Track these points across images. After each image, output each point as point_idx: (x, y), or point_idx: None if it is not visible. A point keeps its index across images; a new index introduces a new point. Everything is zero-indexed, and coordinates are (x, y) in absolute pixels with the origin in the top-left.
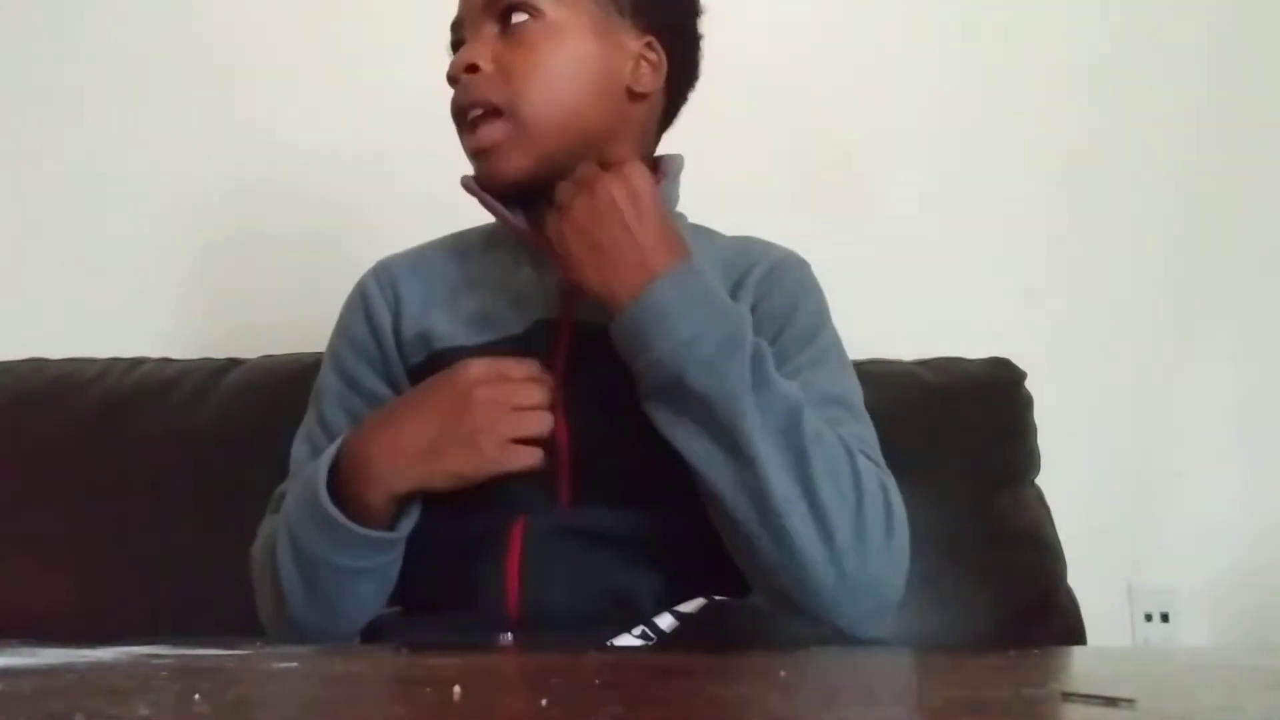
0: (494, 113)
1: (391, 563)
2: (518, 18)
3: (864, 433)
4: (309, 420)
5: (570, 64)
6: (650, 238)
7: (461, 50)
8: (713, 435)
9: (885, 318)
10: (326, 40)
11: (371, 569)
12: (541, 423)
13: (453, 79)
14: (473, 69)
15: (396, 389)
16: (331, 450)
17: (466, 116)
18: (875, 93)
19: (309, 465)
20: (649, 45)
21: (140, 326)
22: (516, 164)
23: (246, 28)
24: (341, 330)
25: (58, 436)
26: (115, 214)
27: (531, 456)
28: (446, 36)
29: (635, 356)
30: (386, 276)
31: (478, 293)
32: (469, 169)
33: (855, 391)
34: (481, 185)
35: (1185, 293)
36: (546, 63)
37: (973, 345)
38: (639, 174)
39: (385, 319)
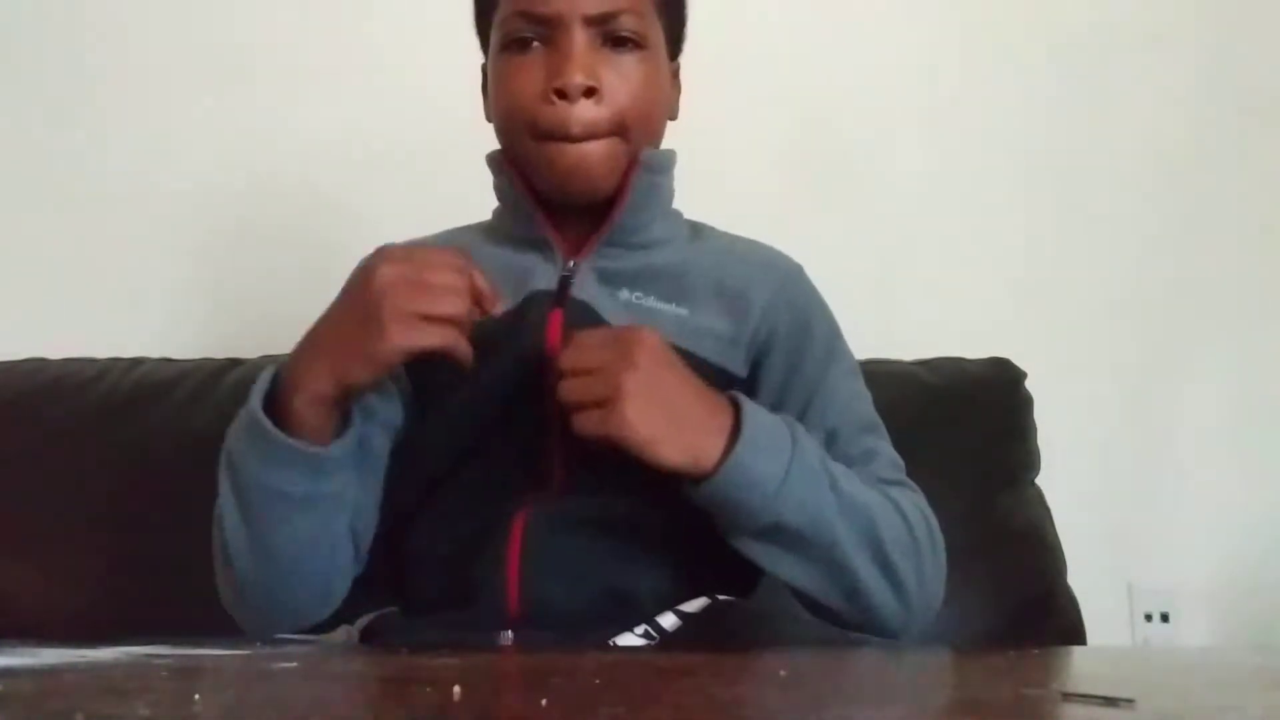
0: (602, 134)
1: (330, 497)
2: (626, 44)
3: (891, 451)
4: None
5: (658, 93)
6: (699, 387)
7: (574, 64)
8: (811, 558)
9: (885, 318)
10: (327, 40)
11: (305, 496)
12: (453, 303)
13: (561, 93)
14: (591, 92)
15: (394, 378)
16: (271, 368)
17: (573, 134)
18: (875, 93)
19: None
20: (676, 71)
21: (140, 326)
22: (609, 179)
23: (245, 27)
24: None
25: (58, 436)
26: (115, 214)
27: (440, 335)
28: (449, 35)
29: (727, 513)
30: None
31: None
32: (470, 170)
33: (870, 401)
34: (566, 194)
35: (1185, 293)
36: (652, 95)
37: (973, 345)
38: (646, 330)
39: None
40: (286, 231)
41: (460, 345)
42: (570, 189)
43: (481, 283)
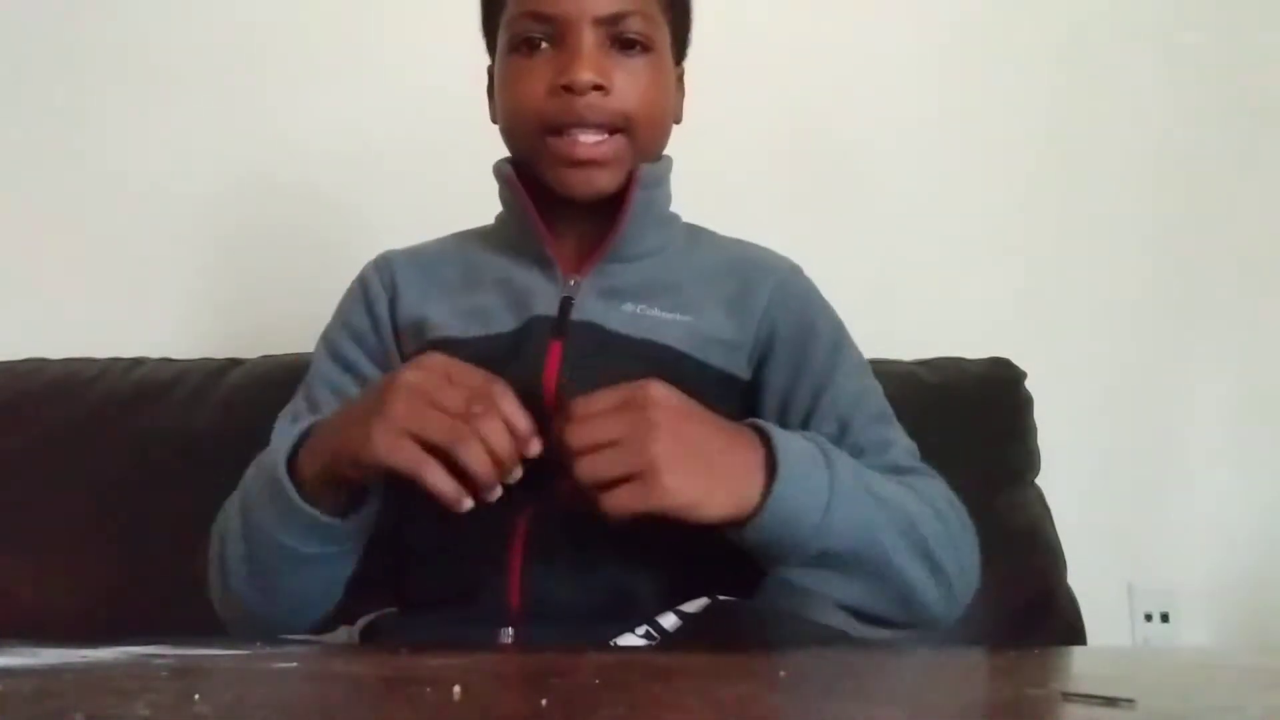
0: (609, 131)
1: (337, 557)
2: (634, 46)
3: (906, 439)
4: (296, 400)
5: (665, 96)
6: (723, 427)
7: (582, 62)
8: (862, 574)
9: (885, 318)
10: (328, 41)
11: (317, 556)
12: (445, 429)
13: (570, 88)
14: (599, 88)
15: None
16: (300, 427)
17: (579, 129)
18: (875, 93)
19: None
20: (680, 76)
21: (140, 326)
22: (613, 181)
23: (247, 28)
24: (340, 319)
25: (58, 436)
26: (115, 214)
27: (408, 459)
28: (453, 36)
29: (775, 549)
30: (386, 268)
31: (476, 288)
32: (472, 171)
33: (881, 392)
34: (570, 190)
35: (1185, 292)
36: (658, 97)
37: (973, 345)
38: (653, 384)
39: (383, 310)
40: (287, 232)
41: (433, 478)
42: (575, 184)
43: (514, 417)
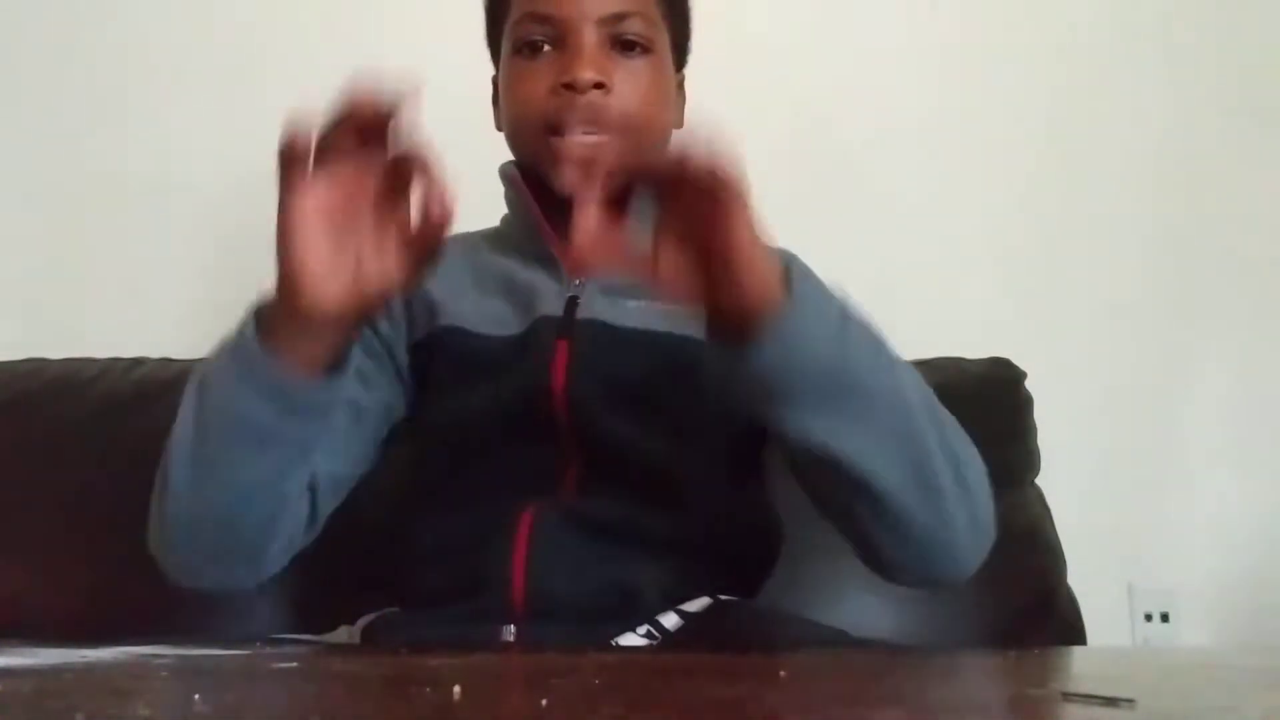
0: (609, 130)
1: (293, 442)
2: (634, 48)
3: None
4: None
5: (666, 98)
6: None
7: (584, 61)
8: (883, 429)
9: (885, 318)
10: (331, 42)
11: (269, 431)
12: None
13: (571, 86)
14: (600, 86)
15: (394, 358)
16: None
17: (578, 128)
18: (875, 93)
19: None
20: (681, 82)
21: (140, 326)
22: (615, 181)
23: (247, 28)
24: None
25: (58, 436)
26: (115, 214)
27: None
28: (459, 39)
29: (787, 378)
30: None
31: (484, 291)
32: (472, 173)
33: None
34: (564, 190)
35: (1185, 292)
36: (659, 99)
37: (973, 345)
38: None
39: (398, 306)
40: None
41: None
42: (567, 185)
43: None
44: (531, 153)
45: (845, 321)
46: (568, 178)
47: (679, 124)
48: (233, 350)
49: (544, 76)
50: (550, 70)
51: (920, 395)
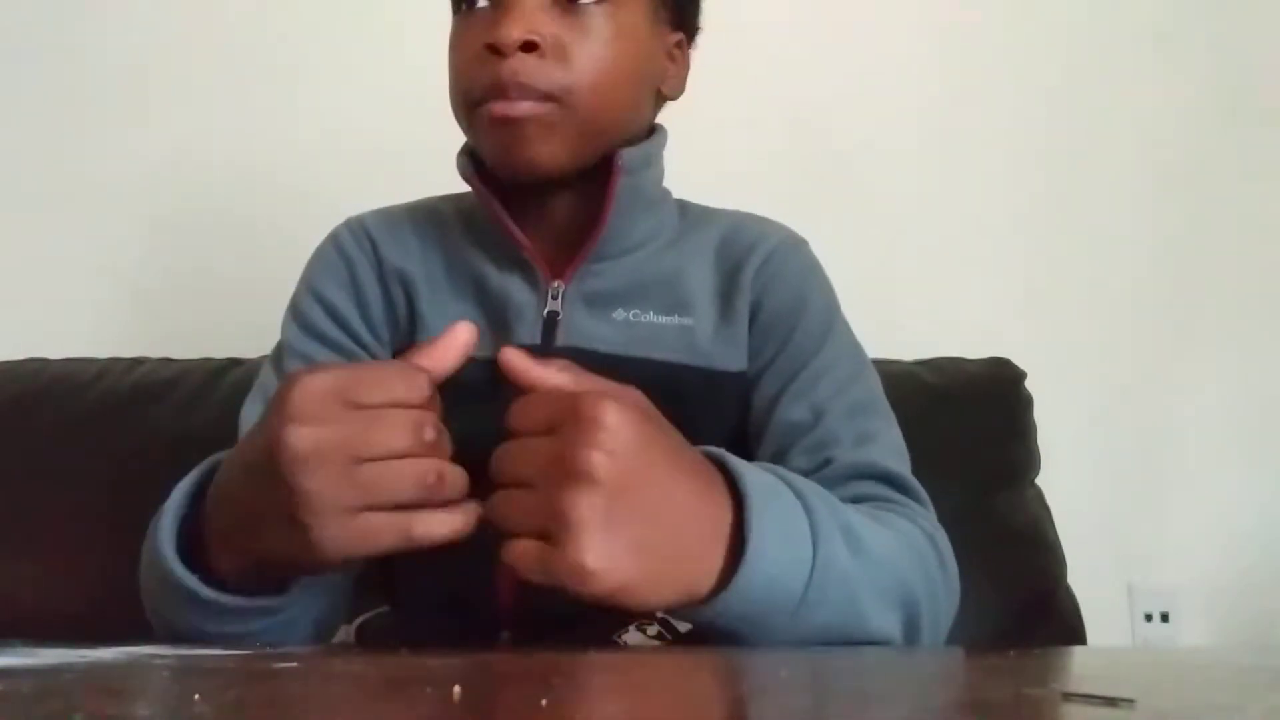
0: (543, 98)
1: (281, 624)
2: None
3: (895, 437)
4: (264, 378)
5: (629, 60)
6: (690, 465)
7: (512, 18)
8: (828, 635)
9: (885, 318)
10: (328, 39)
11: (248, 633)
12: (417, 475)
13: (494, 48)
14: (530, 47)
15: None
16: (185, 483)
17: (505, 94)
18: (875, 92)
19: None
20: (679, 44)
21: (140, 326)
22: (556, 154)
23: (247, 26)
24: (315, 295)
25: (58, 436)
26: (115, 214)
27: (392, 531)
28: (445, 34)
29: (730, 634)
30: (367, 241)
31: (457, 287)
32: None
33: (875, 385)
34: (507, 171)
35: (1185, 293)
36: (611, 54)
37: (973, 345)
38: (611, 401)
39: (366, 273)
40: (288, 232)
41: (427, 530)
42: (507, 163)
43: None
44: (466, 132)
45: (811, 578)
46: (499, 157)
47: (673, 94)
48: (166, 588)
49: (474, 38)
50: (480, 29)
51: (889, 591)
